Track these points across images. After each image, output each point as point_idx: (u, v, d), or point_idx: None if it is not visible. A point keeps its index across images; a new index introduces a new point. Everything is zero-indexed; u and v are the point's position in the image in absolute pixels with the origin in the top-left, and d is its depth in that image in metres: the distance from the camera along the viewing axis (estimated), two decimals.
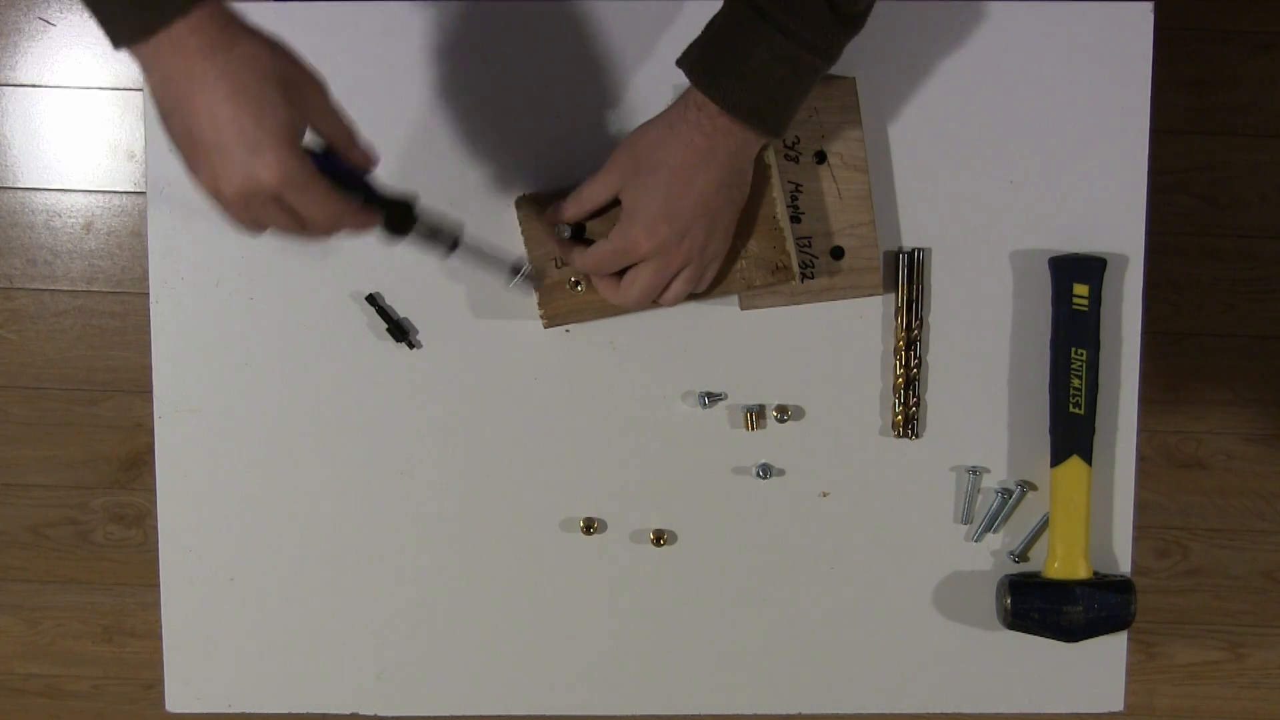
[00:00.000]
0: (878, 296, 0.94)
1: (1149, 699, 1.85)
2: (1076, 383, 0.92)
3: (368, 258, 0.93)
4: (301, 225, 0.73)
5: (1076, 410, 0.92)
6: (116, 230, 1.77)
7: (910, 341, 0.93)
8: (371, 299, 0.94)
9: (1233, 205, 1.73)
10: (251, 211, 0.72)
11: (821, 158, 0.91)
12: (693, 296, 0.87)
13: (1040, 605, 0.92)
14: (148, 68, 0.70)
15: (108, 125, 1.76)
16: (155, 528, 0.97)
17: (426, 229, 0.79)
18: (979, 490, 0.95)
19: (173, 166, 0.93)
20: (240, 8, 0.71)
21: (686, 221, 0.81)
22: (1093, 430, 0.93)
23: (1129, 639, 0.96)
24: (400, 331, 0.94)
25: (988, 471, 0.95)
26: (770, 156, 0.86)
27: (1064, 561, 0.93)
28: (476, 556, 0.96)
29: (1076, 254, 0.92)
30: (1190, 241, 1.74)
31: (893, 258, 0.94)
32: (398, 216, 0.78)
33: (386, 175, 0.91)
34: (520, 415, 0.95)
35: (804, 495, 0.96)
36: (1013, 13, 0.91)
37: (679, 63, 0.80)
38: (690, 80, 0.79)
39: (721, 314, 0.94)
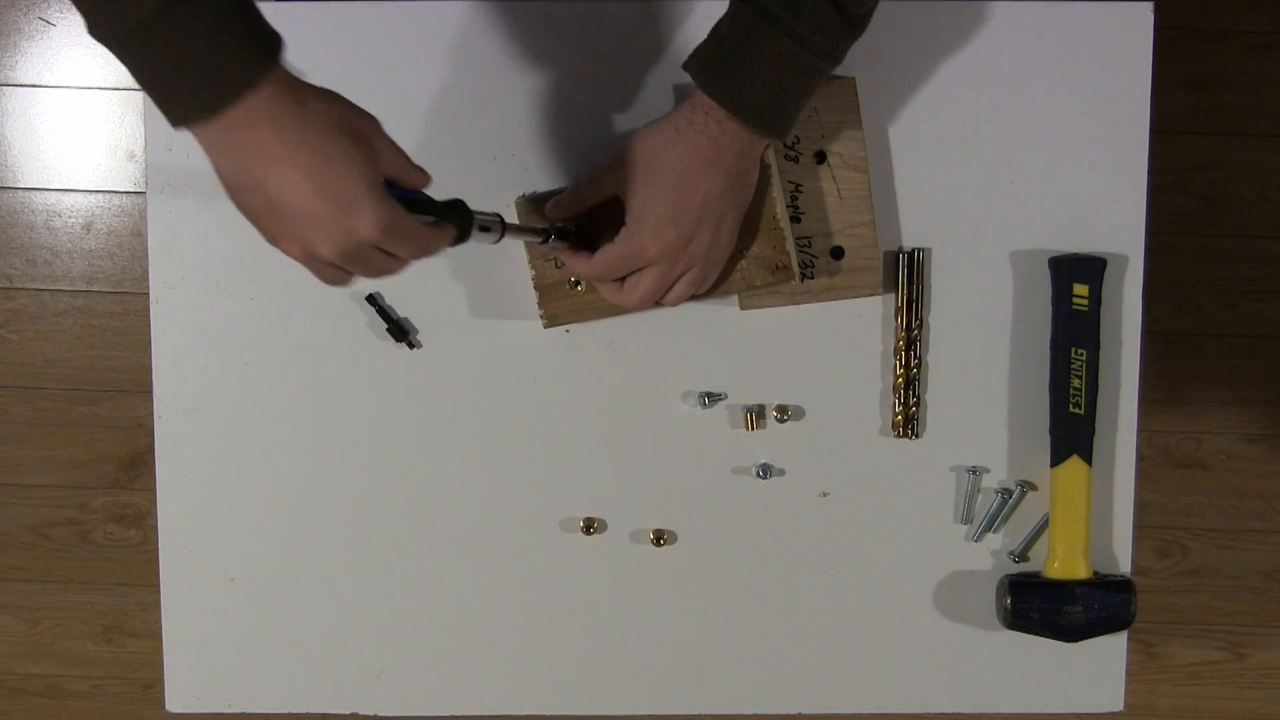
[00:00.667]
0: (878, 296, 0.94)
1: (1149, 699, 1.85)
2: (1076, 383, 0.92)
3: None
4: (395, 264, 0.72)
5: (1076, 410, 0.92)
6: (116, 230, 1.77)
7: (910, 341, 0.93)
8: (371, 299, 0.94)
9: (1233, 205, 1.73)
10: (350, 266, 0.71)
11: (821, 158, 0.91)
12: (693, 296, 0.87)
13: (1040, 605, 0.92)
14: (215, 147, 0.67)
15: (108, 125, 1.76)
16: (155, 528, 0.97)
17: (479, 225, 0.79)
18: (979, 490, 0.95)
19: (173, 166, 0.93)
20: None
21: (692, 225, 0.81)
22: (1093, 430, 0.93)
23: (1129, 639, 0.96)
24: (400, 331, 0.94)
25: (988, 471, 0.95)
26: (770, 156, 0.86)
27: (1064, 561, 0.93)
28: (476, 556, 0.96)
29: (1076, 254, 0.92)
30: (1190, 241, 1.74)
31: (893, 258, 0.94)
32: (457, 222, 0.78)
33: None
34: (520, 415, 0.95)
35: (804, 495, 0.96)
36: (1013, 13, 0.91)
37: (686, 66, 0.80)
38: (697, 84, 0.79)
39: (721, 314, 0.94)
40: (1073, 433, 0.92)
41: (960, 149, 0.93)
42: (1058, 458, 0.93)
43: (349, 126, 0.69)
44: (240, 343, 0.95)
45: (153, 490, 0.96)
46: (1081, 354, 0.92)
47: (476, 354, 0.94)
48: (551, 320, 0.91)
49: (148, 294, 0.95)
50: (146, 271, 0.95)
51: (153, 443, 0.96)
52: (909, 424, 0.94)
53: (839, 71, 0.87)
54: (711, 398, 0.94)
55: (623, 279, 0.85)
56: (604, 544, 0.96)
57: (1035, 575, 0.94)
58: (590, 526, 0.95)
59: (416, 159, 0.89)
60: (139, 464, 1.80)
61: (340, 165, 0.67)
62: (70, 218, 1.77)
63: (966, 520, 0.96)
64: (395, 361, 0.95)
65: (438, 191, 0.92)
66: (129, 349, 1.78)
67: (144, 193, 1.03)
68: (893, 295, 0.94)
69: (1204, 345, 1.76)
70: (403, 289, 0.94)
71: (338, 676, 0.97)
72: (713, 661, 0.97)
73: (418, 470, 0.95)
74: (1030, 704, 0.97)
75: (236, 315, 0.94)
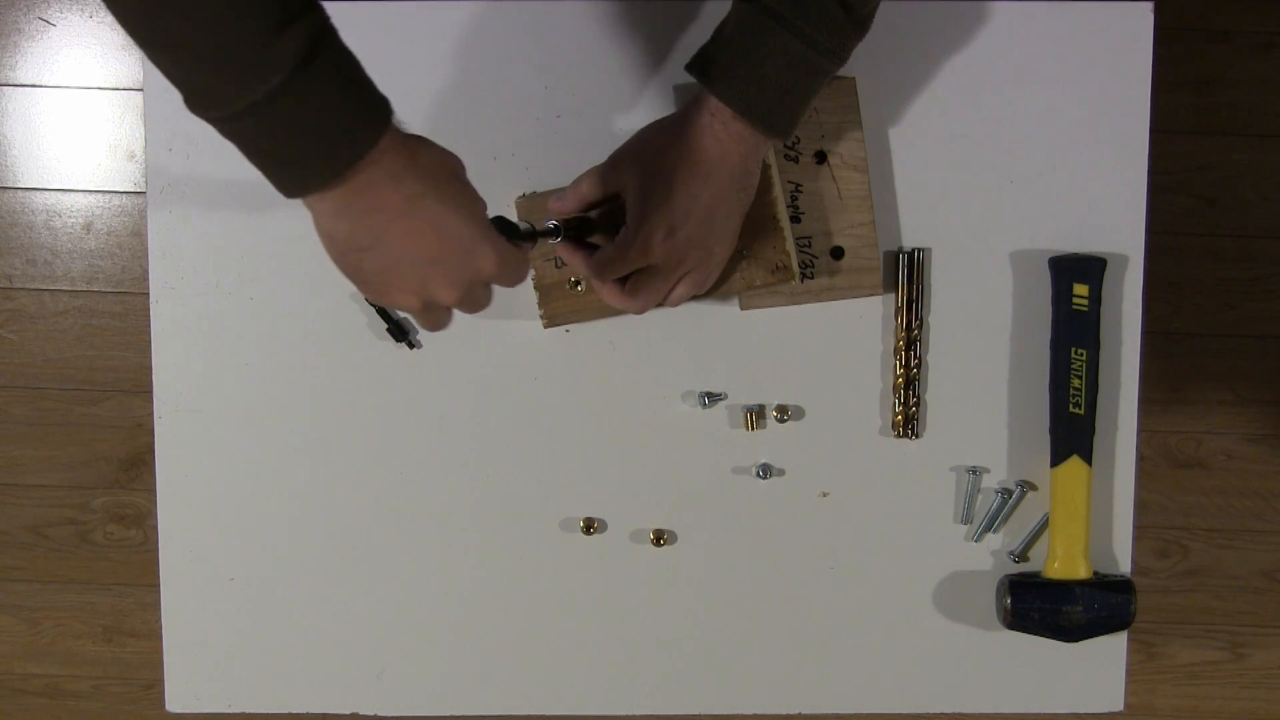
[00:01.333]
0: (878, 296, 0.94)
1: (1149, 699, 1.85)
2: (1076, 383, 0.92)
3: None
4: (490, 295, 0.74)
5: (1076, 410, 0.92)
6: (116, 230, 1.77)
7: (910, 341, 0.93)
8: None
9: (1233, 205, 1.73)
10: (464, 305, 0.72)
11: (821, 158, 0.91)
12: (694, 297, 0.87)
13: (1040, 605, 0.92)
14: (332, 212, 0.67)
15: (108, 125, 1.76)
16: (155, 528, 0.97)
17: (538, 233, 0.81)
18: (979, 490, 0.95)
19: (173, 166, 0.93)
20: None
21: (696, 226, 0.81)
22: (1093, 430, 0.93)
23: (1129, 639, 0.96)
24: (400, 331, 0.94)
25: (988, 471, 0.95)
26: (771, 157, 0.86)
27: (1064, 561, 0.93)
28: (476, 556, 0.96)
29: (1076, 254, 0.92)
30: (1190, 241, 1.74)
31: (893, 258, 0.94)
32: (531, 234, 0.81)
33: None
34: (520, 415, 0.95)
35: (804, 495, 0.96)
36: (1013, 13, 0.91)
37: (689, 67, 0.80)
38: (703, 84, 0.79)
39: (721, 314, 0.94)
40: (1073, 433, 0.92)
41: (960, 149, 0.93)
42: (1058, 458, 0.93)
43: (453, 171, 0.70)
44: (240, 343, 0.95)
45: (153, 490, 0.96)
46: (1081, 354, 0.92)
47: (476, 354, 0.94)
48: (551, 320, 0.91)
49: (148, 294, 0.95)
50: (146, 271, 0.95)
51: (153, 443, 0.96)
52: (909, 424, 0.94)
53: (840, 71, 0.87)
54: (711, 398, 0.94)
55: (624, 280, 0.85)
56: (604, 544, 0.96)
57: (1035, 575, 0.94)
58: (590, 526, 0.95)
59: None
60: (139, 464, 1.80)
61: (457, 211, 0.68)
62: (70, 218, 1.77)
63: (966, 520, 0.96)
64: (395, 361, 0.95)
65: None
66: (129, 349, 1.78)
67: (144, 193, 1.03)
68: (893, 295, 0.94)
69: (1204, 345, 1.76)
70: None
71: (338, 676, 0.97)
72: (713, 661, 0.97)
73: (417, 470, 0.95)
74: (1030, 704, 0.97)
75: (236, 315, 0.94)
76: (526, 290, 0.91)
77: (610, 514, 0.96)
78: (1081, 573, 0.93)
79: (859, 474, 0.95)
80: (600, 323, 0.93)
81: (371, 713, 0.97)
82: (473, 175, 0.92)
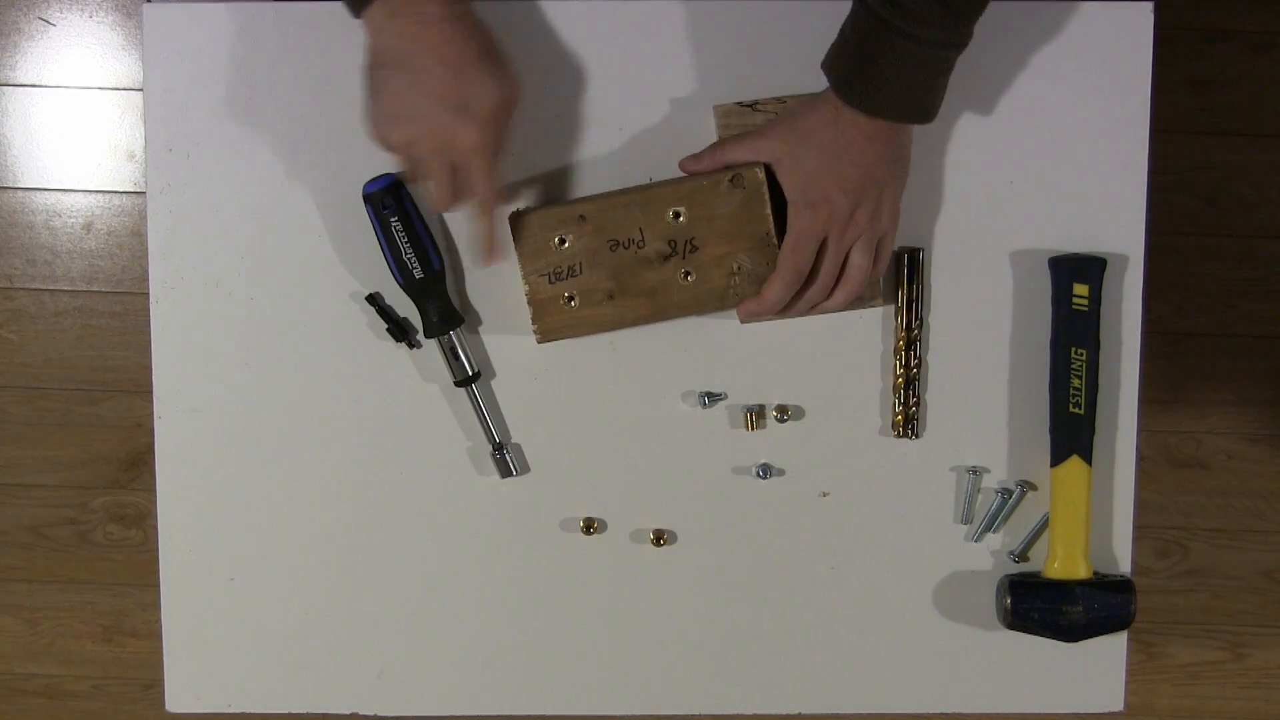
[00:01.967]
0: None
1: (1149, 699, 1.85)
2: (1076, 383, 0.92)
3: (368, 258, 0.93)
4: (456, 193, 0.83)
5: (1076, 410, 0.92)
6: (116, 230, 1.77)
7: (910, 341, 0.93)
8: (371, 299, 0.94)
9: (1233, 205, 1.73)
10: (432, 166, 0.82)
11: None
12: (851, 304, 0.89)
13: (1040, 605, 0.92)
14: (377, 28, 0.79)
15: (108, 125, 1.76)
16: (155, 528, 0.97)
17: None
18: (979, 490, 0.95)
19: (173, 166, 0.93)
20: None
21: (857, 192, 0.83)
22: (1093, 430, 0.93)
23: (1129, 639, 0.96)
24: (400, 331, 0.94)
25: (988, 471, 0.95)
26: (761, 174, 0.86)
27: (1064, 561, 0.93)
28: (477, 556, 0.96)
29: (1076, 254, 0.92)
30: (1190, 241, 1.74)
31: (892, 257, 0.93)
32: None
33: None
34: (520, 415, 0.95)
35: (804, 495, 0.96)
36: (1012, 13, 0.91)
37: (823, 67, 0.83)
38: (831, 87, 0.82)
39: (721, 314, 0.94)
40: (1073, 433, 0.92)
41: (960, 149, 0.93)
42: (1058, 458, 0.93)
43: (497, 57, 0.80)
44: (240, 343, 0.95)
45: (153, 490, 0.96)
46: (1081, 354, 0.92)
47: (477, 354, 0.94)
48: (545, 335, 0.91)
49: (148, 294, 0.95)
50: (146, 271, 0.95)
51: (153, 443, 0.96)
52: (909, 424, 0.94)
53: None
54: (711, 398, 0.94)
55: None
56: (604, 544, 0.96)
57: (1035, 575, 0.94)
58: (590, 526, 0.95)
59: None
60: (139, 464, 1.80)
61: (473, 76, 0.78)
62: (70, 218, 1.77)
63: (966, 520, 0.96)
64: (395, 361, 0.95)
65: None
66: (129, 349, 1.78)
67: (144, 193, 1.03)
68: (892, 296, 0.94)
69: (1204, 345, 1.76)
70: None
71: (338, 676, 0.97)
72: (713, 661, 0.97)
73: (417, 470, 0.95)
74: (1030, 704, 0.97)
75: (236, 315, 0.94)
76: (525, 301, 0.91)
77: (610, 514, 0.96)
78: (1081, 573, 0.93)
79: (859, 474, 0.95)
80: None
81: (371, 713, 0.97)
82: None
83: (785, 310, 0.89)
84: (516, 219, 0.89)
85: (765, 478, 0.95)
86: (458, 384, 0.93)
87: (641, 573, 0.96)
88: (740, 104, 0.91)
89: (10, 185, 1.77)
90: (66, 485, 1.81)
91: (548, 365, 0.94)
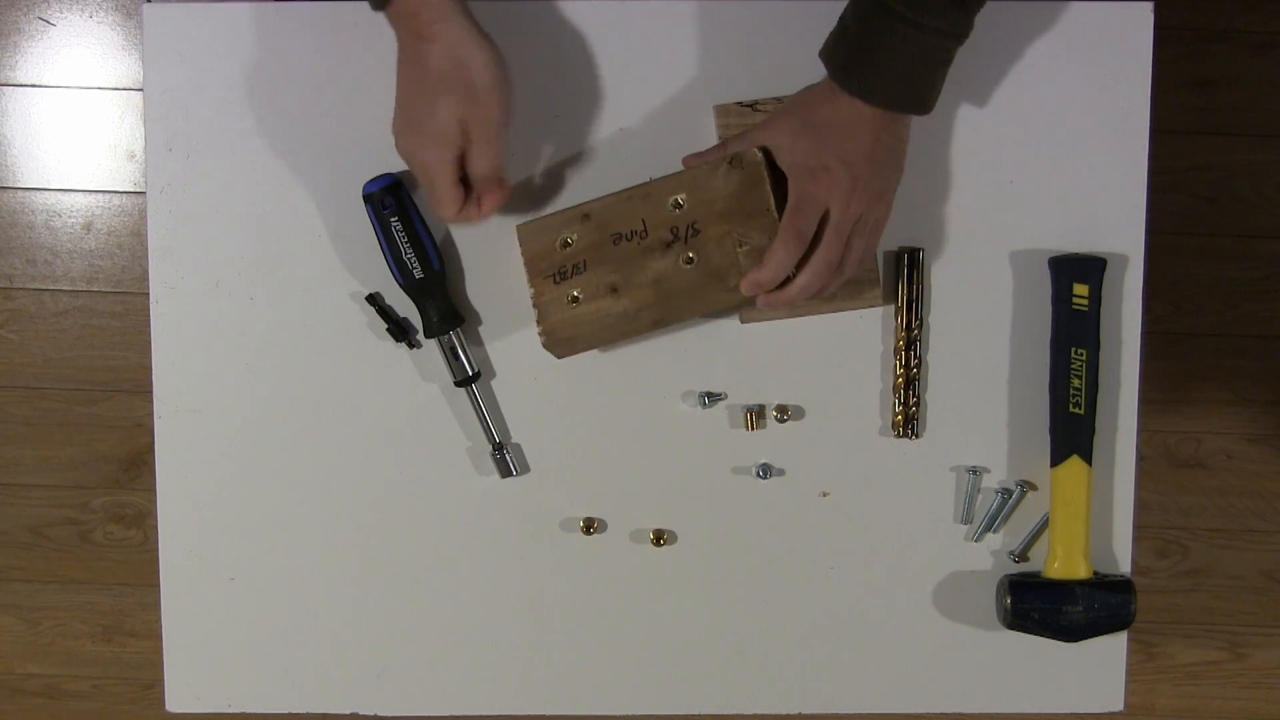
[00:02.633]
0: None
1: (1149, 699, 1.85)
2: (1076, 383, 0.92)
3: (368, 258, 0.93)
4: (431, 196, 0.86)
5: (1076, 410, 0.92)
6: (116, 230, 1.77)
7: (910, 341, 0.93)
8: (371, 299, 0.94)
9: (1233, 205, 1.73)
10: (412, 169, 0.86)
11: None
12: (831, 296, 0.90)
13: (1040, 605, 0.92)
14: (394, 30, 0.84)
15: (108, 125, 1.76)
16: (155, 528, 0.97)
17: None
18: (979, 490, 0.95)
19: (173, 166, 0.93)
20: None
21: (856, 165, 0.83)
22: (1093, 430, 0.93)
23: (1129, 639, 0.96)
24: (400, 331, 0.94)
25: (988, 471, 0.95)
26: (759, 154, 0.85)
27: (1064, 561, 0.93)
28: (477, 556, 0.96)
29: (1076, 254, 0.92)
30: (1190, 241, 1.74)
31: (892, 258, 0.94)
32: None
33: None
34: (520, 415, 0.95)
35: (804, 495, 0.96)
36: (1013, 13, 0.91)
37: (821, 55, 0.83)
38: (831, 78, 0.82)
39: (722, 314, 0.94)
40: (1073, 433, 0.92)
41: (959, 149, 0.93)
42: (1058, 458, 0.93)
43: (464, 78, 0.82)
44: (240, 343, 0.95)
45: (153, 490, 0.96)
46: (1081, 354, 0.92)
47: (476, 354, 0.94)
48: (549, 335, 0.90)
49: (148, 294, 0.95)
50: (146, 271, 0.95)
51: (153, 443, 0.96)
52: (909, 424, 0.94)
53: None
54: (711, 398, 0.94)
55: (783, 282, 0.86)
56: (604, 544, 0.96)
57: (1035, 575, 0.94)
58: (590, 526, 0.95)
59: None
60: (139, 464, 1.80)
61: (433, 105, 0.82)
62: (70, 218, 1.77)
63: (966, 520, 0.96)
64: (395, 361, 0.95)
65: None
66: (129, 349, 1.78)
67: (144, 193, 1.03)
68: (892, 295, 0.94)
69: (1204, 345, 1.76)
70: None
71: (338, 676, 0.97)
72: (713, 661, 0.97)
73: (417, 470, 0.95)
74: (1030, 704, 0.97)
75: (236, 315, 0.94)
76: (526, 300, 0.91)
77: (610, 514, 0.96)
78: (1081, 573, 0.93)
79: (859, 474, 0.95)
80: None
81: (371, 713, 0.97)
82: None
83: (786, 287, 0.86)
84: (523, 225, 0.89)
85: (765, 478, 0.95)
86: (458, 384, 0.93)
87: (641, 573, 0.96)
88: (740, 104, 0.91)
89: (10, 185, 1.77)
90: (66, 485, 1.81)
91: (548, 365, 0.94)
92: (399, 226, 0.90)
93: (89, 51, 1.75)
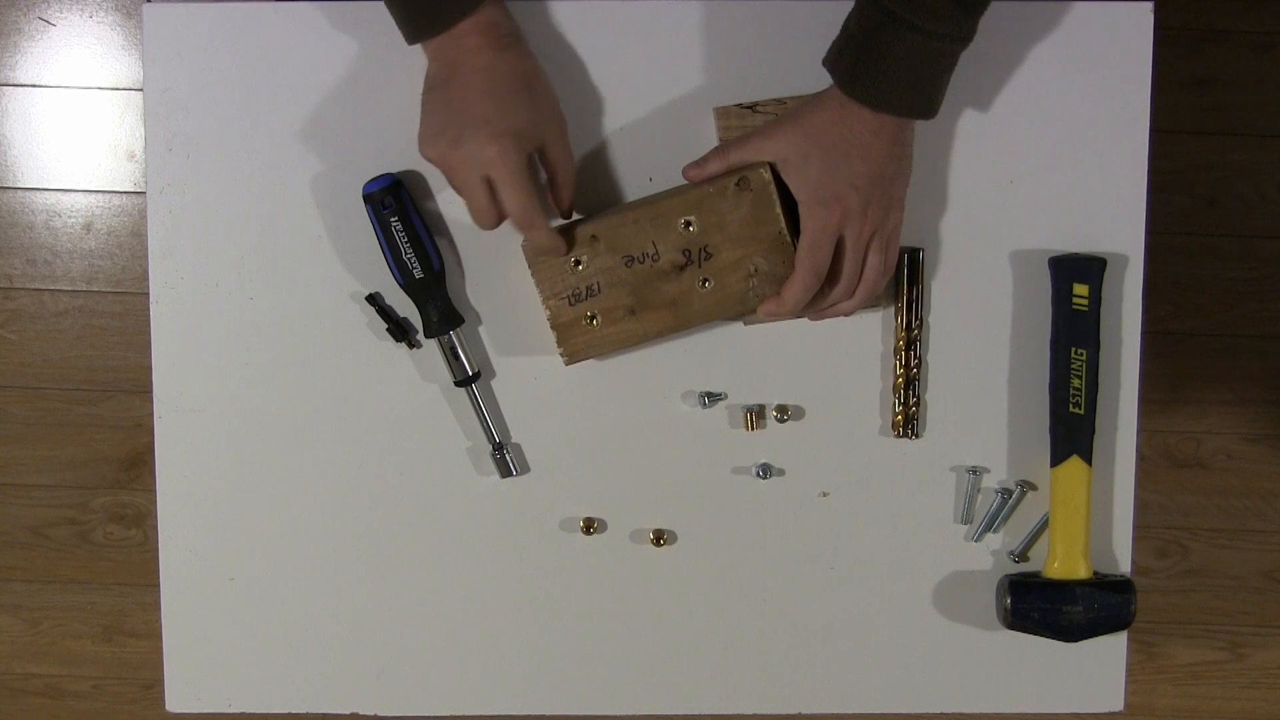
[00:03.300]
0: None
1: (1149, 699, 1.85)
2: (1076, 383, 0.92)
3: (368, 258, 0.93)
4: (494, 211, 0.84)
5: (1076, 410, 0.92)
6: (116, 230, 1.77)
7: (910, 341, 0.93)
8: (371, 299, 0.94)
9: (1233, 205, 1.73)
10: (466, 179, 0.83)
11: None
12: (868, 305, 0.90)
13: (1040, 605, 0.92)
14: (432, 56, 0.84)
15: (108, 125, 1.76)
16: (155, 528, 0.97)
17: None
18: (979, 490, 0.95)
19: (173, 166, 0.93)
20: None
21: (867, 188, 0.83)
22: (1093, 430, 0.93)
23: (1129, 639, 0.96)
24: (400, 331, 0.94)
25: (988, 471, 0.95)
26: (767, 174, 0.85)
27: (1064, 561, 0.93)
28: (477, 556, 0.96)
29: (1076, 254, 0.92)
30: (1190, 241, 1.74)
31: None
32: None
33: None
34: (520, 415, 0.95)
35: (804, 495, 0.96)
36: (1012, 12, 0.91)
37: (824, 63, 0.83)
38: (835, 84, 0.82)
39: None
40: (1073, 433, 0.92)
41: (959, 149, 0.93)
42: (1058, 458, 0.93)
43: (532, 89, 0.84)
44: (240, 343, 0.95)
45: (153, 490, 0.96)
46: (1081, 354, 0.92)
47: (476, 354, 0.94)
48: (573, 357, 0.90)
49: (148, 294, 0.95)
50: (146, 271, 0.95)
51: (153, 443, 0.96)
52: (909, 424, 0.94)
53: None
54: (711, 398, 0.94)
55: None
56: (604, 544, 0.96)
57: (1035, 575, 0.94)
58: (590, 526, 0.95)
59: (417, 158, 0.89)
60: (139, 464, 1.80)
61: (501, 103, 0.82)
62: (70, 218, 1.77)
63: (966, 520, 0.96)
64: (395, 361, 0.95)
65: (438, 205, 0.92)
66: (129, 349, 1.79)
67: (144, 193, 1.03)
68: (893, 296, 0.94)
69: (1204, 345, 1.76)
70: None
71: (338, 676, 0.97)
72: (713, 661, 0.97)
73: (417, 470, 0.95)
74: (1030, 704, 0.97)
75: (236, 315, 0.94)
76: (525, 287, 0.91)
77: (610, 514, 0.96)
78: (1081, 573, 0.93)
79: (859, 474, 0.95)
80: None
81: (371, 713, 0.97)
82: None
83: (806, 310, 0.88)
84: (528, 249, 0.89)
85: (765, 478, 0.95)
86: (458, 384, 0.93)
87: (641, 573, 0.96)
88: (740, 106, 0.91)
89: (10, 185, 1.77)
90: (66, 485, 1.81)
91: (548, 365, 0.94)
92: (399, 226, 0.90)
93: (89, 51, 1.75)
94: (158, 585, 0.97)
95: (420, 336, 0.94)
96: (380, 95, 0.92)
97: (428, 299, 0.91)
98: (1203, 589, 1.82)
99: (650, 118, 0.92)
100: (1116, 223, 0.93)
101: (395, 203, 0.90)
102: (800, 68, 0.88)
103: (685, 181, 0.89)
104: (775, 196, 0.86)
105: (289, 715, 0.99)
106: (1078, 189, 0.93)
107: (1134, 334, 0.95)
